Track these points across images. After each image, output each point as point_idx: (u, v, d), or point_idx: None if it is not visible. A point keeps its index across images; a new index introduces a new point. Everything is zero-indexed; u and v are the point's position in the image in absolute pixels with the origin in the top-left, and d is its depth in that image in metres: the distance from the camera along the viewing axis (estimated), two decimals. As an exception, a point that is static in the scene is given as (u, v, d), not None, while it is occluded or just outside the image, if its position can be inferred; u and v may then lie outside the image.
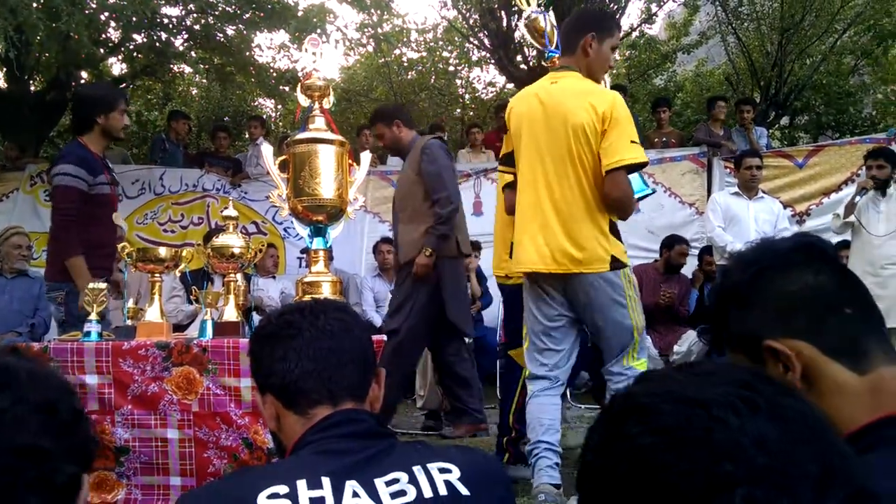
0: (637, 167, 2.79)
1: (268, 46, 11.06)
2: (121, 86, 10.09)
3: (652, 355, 5.81)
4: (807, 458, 0.59)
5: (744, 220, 5.52)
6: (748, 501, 0.56)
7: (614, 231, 2.80)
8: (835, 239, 5.95)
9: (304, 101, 2.88)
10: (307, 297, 2.54)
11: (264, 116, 15.07)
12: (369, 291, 6.26)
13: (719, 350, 1.10)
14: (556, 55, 3.38)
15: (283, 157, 2.80)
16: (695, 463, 0.58)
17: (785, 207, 6.45)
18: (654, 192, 5.51)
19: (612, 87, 9.70)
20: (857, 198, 5.06)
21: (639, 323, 2.80)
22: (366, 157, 3.01)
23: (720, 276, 1.11)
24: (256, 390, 1.28)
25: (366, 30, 12.12)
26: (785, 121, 12.64)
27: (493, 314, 6.49)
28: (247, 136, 7.80)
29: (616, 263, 2.74)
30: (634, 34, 13.13)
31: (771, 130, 11.28)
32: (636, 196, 3.08)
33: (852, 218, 5.06)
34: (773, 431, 0.60)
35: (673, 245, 6.23)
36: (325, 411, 1.16)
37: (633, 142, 2.71)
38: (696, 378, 0.66)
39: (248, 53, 7.54)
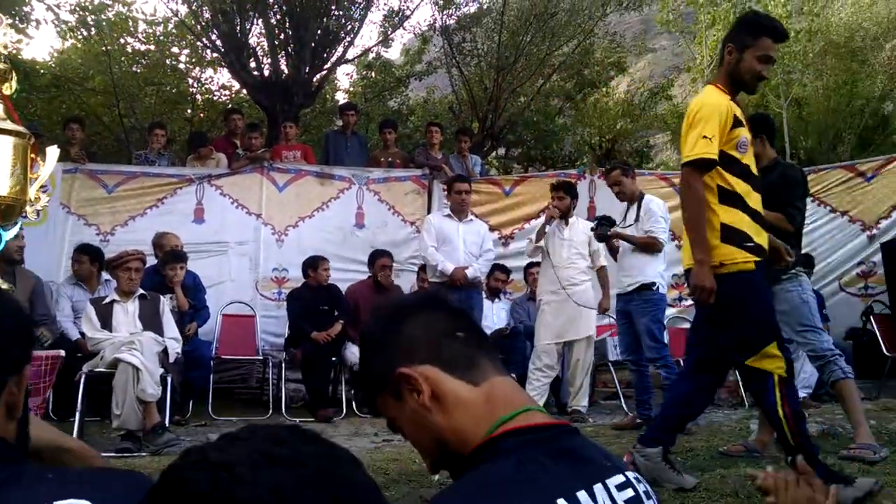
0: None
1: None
2: None
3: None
4: (318, 497, 0.69)
5: (454, 240, 5.94)
6: None
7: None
8: (526, 261, 6.69)
9: (-23, 83, 2.54)
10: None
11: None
12: (67, 300, 5.65)
13: (372, 403, 1.21)
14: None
15: (-53, 146, 2.43)
16: None
17: (492, 230, 7.08)
18: None
19: (342, 105, 9.86)
20: (547, 226, 5.67)
21: None
22: (52, 152, 2.72)
23: (360, 334, 1.26)
24: None
25: (82, 13, 11.04)
26: (501, 151, 13.89)
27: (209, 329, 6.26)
28: None
29: None
30: (371, 55, 13.56)
31: (488, 159, 12.32)
32: None
33: (542, 243, 5.67)
34: (288, 479, 0.69)
35: (375, 260, 6.50)
36: None
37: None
38: (230, 441, 0.73)
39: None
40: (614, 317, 7.12)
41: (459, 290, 5.70)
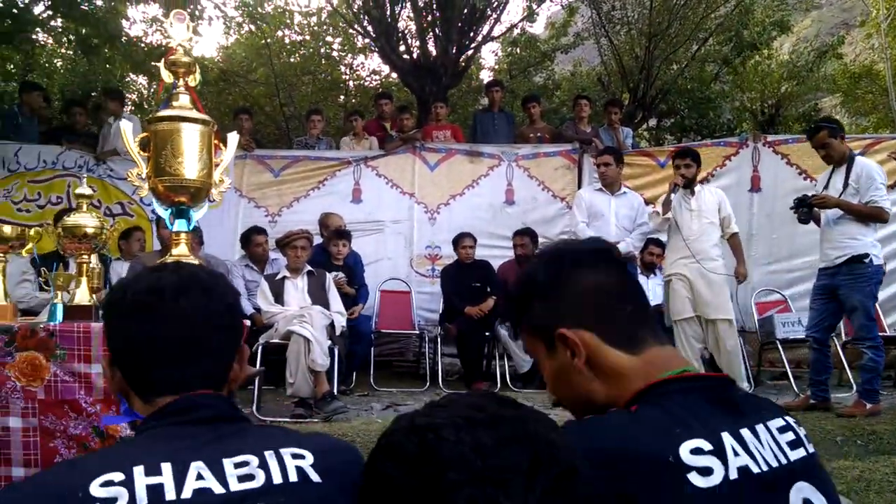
0: None
1: (140, 20, 10.52)
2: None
3: (519, 343, 6.03)
4: (517, 454, 0.75)
5: (605, 214, 5.80)
6: (470, 500, 0.72)
7: None
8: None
9: (167, 77, 2.79)
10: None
11: (132, 94, 14.37)
12: (240, 280, 6.10)
13: (517, 335, 1.26)
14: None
15: (144, 134, 2.70)
16: (426, 479, 0.75)
17: (647, 203, 6.85)
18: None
19: (487, 82, 9.89)
20: (672, 195, 5.38)
21: None
22: (233, 138, 2.94)
23: (525, 269, 1.21)
24: (107, 356, 1.18)
25: (245, 8, 11.77)
26: (652, 122, 13.35)
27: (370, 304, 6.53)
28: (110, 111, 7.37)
29: None
30: (516, 31, 13.46)
31: (638, 131, 11.89)
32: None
33: (669, 215, 5.35)
34: (489, 438, 0.75)
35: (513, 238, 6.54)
36: (172, 399, 1.10)
37: None
38: (434, 408, 0.83)
39: (115, 25, 7.12)
40: (781, 292, 6.76)
41: None
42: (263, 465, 1.00)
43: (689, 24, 11.16)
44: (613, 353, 1.08)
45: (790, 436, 1.03)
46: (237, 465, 0.99)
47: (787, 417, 1.07)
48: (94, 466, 0.97)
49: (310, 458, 1.03)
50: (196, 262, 2.68)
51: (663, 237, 6.83)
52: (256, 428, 1.12)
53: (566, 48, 13.83)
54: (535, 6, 12.19)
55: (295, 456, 1.02)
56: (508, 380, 6.08)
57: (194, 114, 2.70)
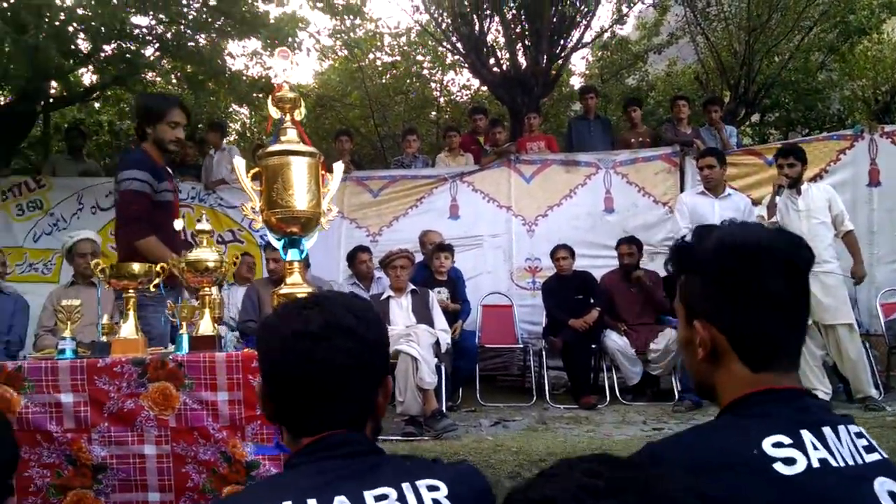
0: None
1: (240, 54, 11.03)
2: (92, 95, 10.02)
3: (629, 355, 5.89)
4: None
5: (709, 219, 5.51)
6: None
7: None
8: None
9: (275, 113, 2.89)
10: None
11: (236, 123, 15.03)
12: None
13: (671, 293, 1.26)
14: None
15: (256, 169, 2.81)
16: None
17: (755, 204, 6.55)
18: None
19: (580, 88, 9.75)
20: (777, 198, 5.10)
21: None
22: (338, 167, 3.02)
23: (716, 242, 1.15)
24: (264, 390, 1.23)
25: (339, 35, 12.13)
26: (756, 118, 12.80)
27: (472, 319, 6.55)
28: (212, 143, 7.79)
29: None
30: (606, 35, 13.25)
31: (742, 128, 11.42)
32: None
33: (776, 218, 5.08)
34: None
35: (618, 247, 6.38)
36: (318, 437, 1.15)
37: None
38: (548, 482, 0.79)
39: (219, 61, 7.49)
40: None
41: None
42: (401, 497, 1.05)
43: (791, 15, 10.66)
44: (737, 364, 1.11)
45: (864, 441, 1.07)
46: (377, 499, 1.04)
47: (859, 427, 1.11)
48: (247, 502, 1.05)
49: (444, 489, 1.07)
50: (307, 290, 2.77)
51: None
52: (393, 459, 1.16)
53: (659, 48, 13.49)
54: (625, 8, 11.97)
55: (430, 488, 1.07)
56: (618, 392, 5.94)
57: (302, 147, 2.78)
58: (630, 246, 6.28)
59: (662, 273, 6.05)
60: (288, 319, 1.18)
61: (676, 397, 5.57)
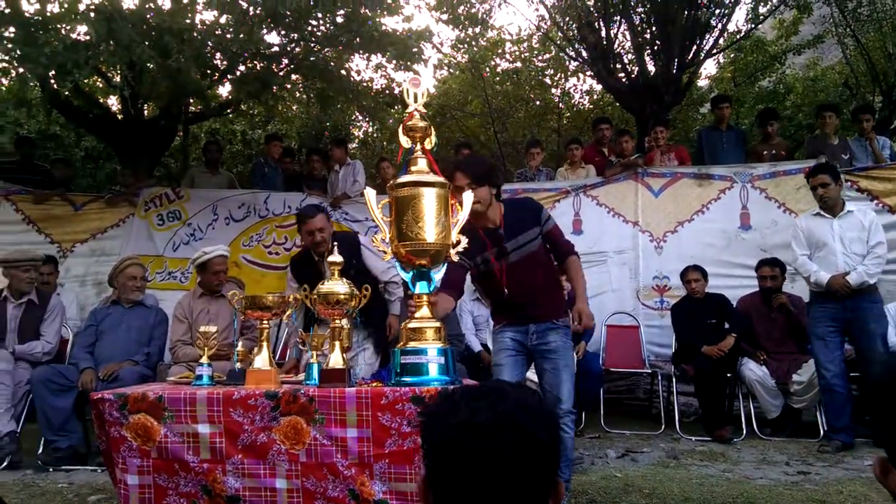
0: None
1: (365, 67, 11.24)
2: (227, 110, 10.53)
3: (768, 385, 5.49)
4: None
5: (829, 241, 5.02)
6: None
7: None
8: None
9: (405, 142, 2.84)
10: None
11: (358, 131, 15.38)
12: (468, 315, 6.18)
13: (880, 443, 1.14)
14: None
15: (386, 200, 2.77)
16: None
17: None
18: None
19: (714, 97, 9.22)
20: None
21: None
22: (468, 197, 2.95)
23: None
24: (425, 478, 1.15)
25: (462, 45, 12.16)
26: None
27: (595, 339, 6.32)
28: (335, 158, 8.00)
29: None
30: (739, 35, 12.55)
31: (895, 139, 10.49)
32: None
33: None
34: None
35: (758, 268, 5.95)
36: None
37: None
38: None
39: (345, 75, 7.63)
40: None
41: (844, 301, 4.87)
42: None
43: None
44: None
45: None
46: None
47: None
48: None
49: None
50: (436, 325, 2.70)
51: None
52: None
53: (798, 48, 12.63)
54: (761, 8, 11.27)
55: None
56: (755, 425, 5.54)
57: (432, 177, 2.72)
58: (773, 268, 5.84)
59: (807, 298, 5.60)
60: (457, 408, 1.09)
61: (822, 434, 5.13)
